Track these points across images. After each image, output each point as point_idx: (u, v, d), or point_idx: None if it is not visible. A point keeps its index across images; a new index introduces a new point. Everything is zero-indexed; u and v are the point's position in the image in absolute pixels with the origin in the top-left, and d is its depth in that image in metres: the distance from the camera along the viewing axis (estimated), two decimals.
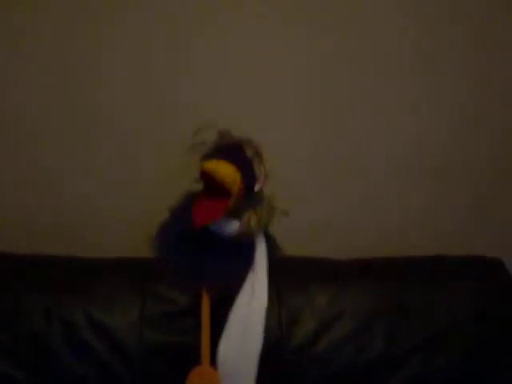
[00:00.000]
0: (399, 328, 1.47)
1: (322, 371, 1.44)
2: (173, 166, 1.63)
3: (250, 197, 1.44)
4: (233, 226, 1.43)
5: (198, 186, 1.44)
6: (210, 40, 1.73)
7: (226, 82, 1.75)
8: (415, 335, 1.47)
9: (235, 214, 1.43)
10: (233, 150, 1.44)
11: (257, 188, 1.44)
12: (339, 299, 1.48)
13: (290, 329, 1.45)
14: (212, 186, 1.39)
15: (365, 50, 1.76)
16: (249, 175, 1.43)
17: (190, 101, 1.74)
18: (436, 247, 1.66)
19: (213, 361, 1.40)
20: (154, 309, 1.45)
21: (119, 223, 1.75)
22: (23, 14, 1.70)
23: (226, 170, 1.38)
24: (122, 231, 1.75)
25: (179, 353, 1.42)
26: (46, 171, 1.74)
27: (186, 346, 1.42)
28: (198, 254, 1.44)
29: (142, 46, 1.73)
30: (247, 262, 1.45)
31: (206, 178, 1.38)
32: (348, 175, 1.79)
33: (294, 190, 1.73)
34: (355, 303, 1.48)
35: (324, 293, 1.48)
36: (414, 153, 1.80)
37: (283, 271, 1.51)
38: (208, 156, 1.43)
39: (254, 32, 1.74)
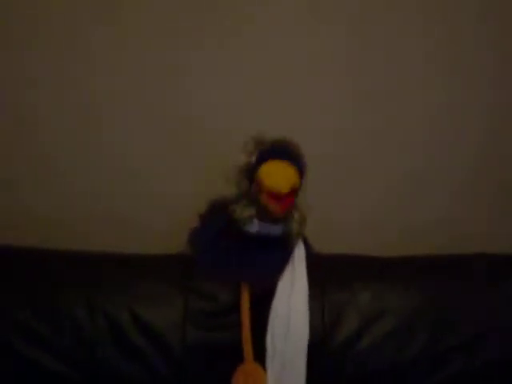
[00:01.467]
0: (441, 326, 1.46)
1: (365, 368, 1.44)
2: (200, 165, 1.65)
3: None
4: (276, 231, 1.43)
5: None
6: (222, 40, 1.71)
7: (240, 83, 1.73)
8: (457, 334, 1.46)
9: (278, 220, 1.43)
10: (290, 150, 1.43)
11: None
12: (383, 297, 1.47)
13: (333, 326, 1.45)
14: None
15: (380, 54, 1.74)
16: (303, 176, 1.43)
17: (211, 103, 1.72)
18: (461, 246, 1.64)
19: (256, 357, 1.39)
20: (197, 306, 1.44)
21: (139, 221, 1.74)
22: (23, 13, 1.68)
23: (291, 178, 1.39)
24: (141, 230, 1.74)
25: (222, 350, 1.42)
26: (58, 170, 1.73)
27: (229, 344, 1.41)
28: (237, 251, 1.44)
29: (149, 47, 1.70)
30: (286, 253, 1.45)
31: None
32: (369, 174, 1.78)
33: (314, 189, 1.72)
34: (398, 301, 1.47)
35: (367, 290, 1.47)
36: (439, 152, 1.78)
37: (327, 268, 1.50)
38: (264, 156, 1.40)
39: (266, 32, 1.72)
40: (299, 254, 1.47)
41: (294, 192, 1.40)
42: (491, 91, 1.76)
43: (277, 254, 1.45)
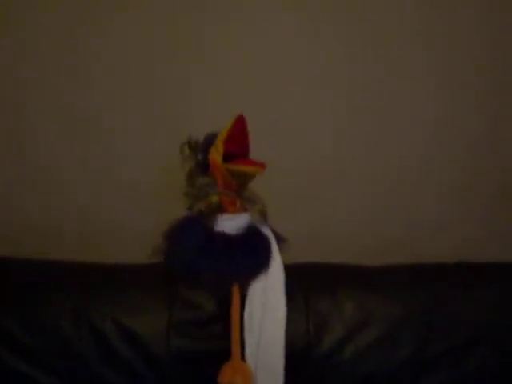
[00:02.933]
0: (427, 334, 1.46)
1: (350, 377, 1.44)
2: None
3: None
4: (244, 219, 1.47)
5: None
6: (209, 43, 1.72)
7: (230, 83, 1.74)
8: (443, 341, 1.46)
9: (246, 202, 1.49)
10: None
11: None
12: (367, 305, 1.47)
13: (317, 335, 1.44)
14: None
15: (379, 52, 1.73)
16: None
17: (192, 106, 1.73)
18: (450, 253, 1.63)
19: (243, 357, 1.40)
20: (182, 315, 1.44)
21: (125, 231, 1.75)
22: (23, 14, 1.69)
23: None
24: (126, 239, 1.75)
25: (207, 359, 1.42)
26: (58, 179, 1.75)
27: (213, 353, 1.41)
28: (221, 255, 1.44)
29: (143, 49, 1.71)
30: (269, 251, 1.46)
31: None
32: (358, 179, 1.78)
33: (300, 193, 1.74)
34: (383, 309, 1.47)
35: (352, 299, 1.47)
36: (438, 153, 1.78)
37: (311, 277, 1.50)
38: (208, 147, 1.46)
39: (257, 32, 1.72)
40: (271, 238, 1.48)
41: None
42: (491, 91, 1.76)
43: (258, 249, 1.46)
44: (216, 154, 1.44)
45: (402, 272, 1.54)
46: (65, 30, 1.69)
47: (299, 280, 1.46)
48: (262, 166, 1.42)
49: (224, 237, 1.46)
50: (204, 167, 1.48)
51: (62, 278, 1.48)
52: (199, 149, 1.49)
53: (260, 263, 1.45)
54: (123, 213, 1.74)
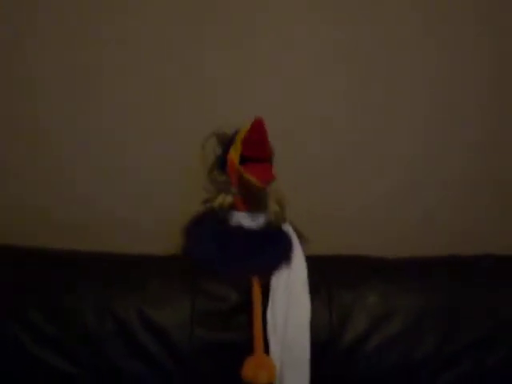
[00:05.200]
0: (450, 327, 1.45)
1: (373, 370, 1.43)
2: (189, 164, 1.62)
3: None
4: (260, 219, 1.48)
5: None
6: (222, 39, 1.72)
7: (236, 77, 1.73)
8: (466, 334, 1.45)
9: (258, 208, 1.49)
10: None
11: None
12: (390, 298, 1.46)
13: (340, 327, 1.44)
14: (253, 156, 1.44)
15: (381, 44, 1.73)
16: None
17: (201, 96, 1.72)
18: (461, 246, 1.63)
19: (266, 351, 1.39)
20: (205, 306, 1.44)
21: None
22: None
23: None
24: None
25: (229, 350, 1.42)
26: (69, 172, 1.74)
27: (236, 344, 1.41)
28: (238, 247, 1.46)
29: (155, 43, 1.71)
30: (288, 245, 1.47)
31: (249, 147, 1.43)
32: (369, 174, 1.77)
33: (314, 189, 1.73)
34: (406, 302, 1.46)
35: (375, 291, 1.47)
36: (438, 152, 1.77)
37: (334, 269, 1.50)
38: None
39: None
40: (292, 235, 1.49)
41: (269, 161, 1.46)
42: (491, 91, 1.75)
43: (277, 243, 1.47)
44: (234, 154, 1.45)
45: (426, 264, 1.54)
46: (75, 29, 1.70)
47: (322, 272, 1.46)
48: (265, 182, 1.43)
49: (241, 231, 1.47)
50: (223, 163, 1.49)
51: (86, 268, 1.48)
52: (222, 143, 1.50)
53: (279, 256, 1.45)
54: (138, 209, 1.74)
